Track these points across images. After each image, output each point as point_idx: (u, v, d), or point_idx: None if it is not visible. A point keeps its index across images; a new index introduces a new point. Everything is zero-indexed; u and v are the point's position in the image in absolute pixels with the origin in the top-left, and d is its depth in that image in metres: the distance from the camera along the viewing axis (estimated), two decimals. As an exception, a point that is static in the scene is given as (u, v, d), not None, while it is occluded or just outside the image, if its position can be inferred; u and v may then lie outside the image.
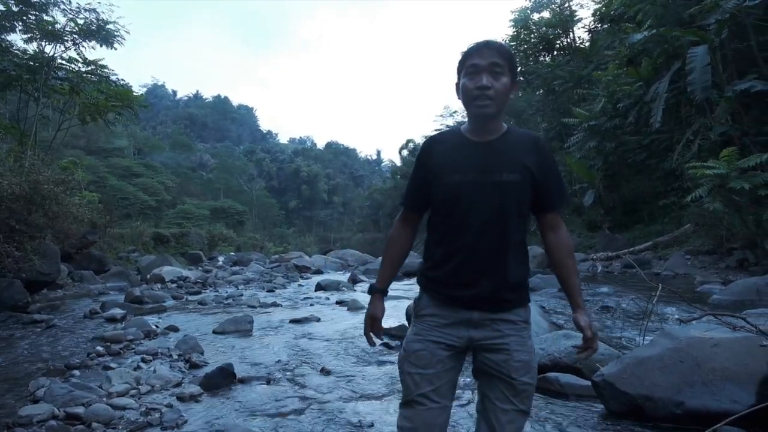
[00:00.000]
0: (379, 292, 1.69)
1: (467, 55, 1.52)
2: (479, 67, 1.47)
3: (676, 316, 5.16)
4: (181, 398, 3.29)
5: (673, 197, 13.76)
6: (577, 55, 24.34)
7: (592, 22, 24.05)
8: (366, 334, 1.69)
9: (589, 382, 3.01)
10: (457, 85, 1.57)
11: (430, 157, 1.59)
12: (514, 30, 27.63)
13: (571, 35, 26.59)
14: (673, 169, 13.82)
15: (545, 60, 26.68)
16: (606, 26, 21.45)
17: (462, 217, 1.50)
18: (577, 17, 25.37)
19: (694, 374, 2.65)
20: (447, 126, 58.95)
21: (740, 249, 10.37)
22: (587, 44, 24.79)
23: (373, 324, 1.68)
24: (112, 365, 4.13)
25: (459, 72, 1.56)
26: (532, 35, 27.28)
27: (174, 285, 10.91)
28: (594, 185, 18.60)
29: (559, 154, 21.46)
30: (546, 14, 26.57)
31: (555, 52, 26.95)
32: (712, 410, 2.50)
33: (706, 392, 2.57)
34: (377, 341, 1.72)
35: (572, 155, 19.02)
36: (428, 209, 1.63)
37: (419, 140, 48.71)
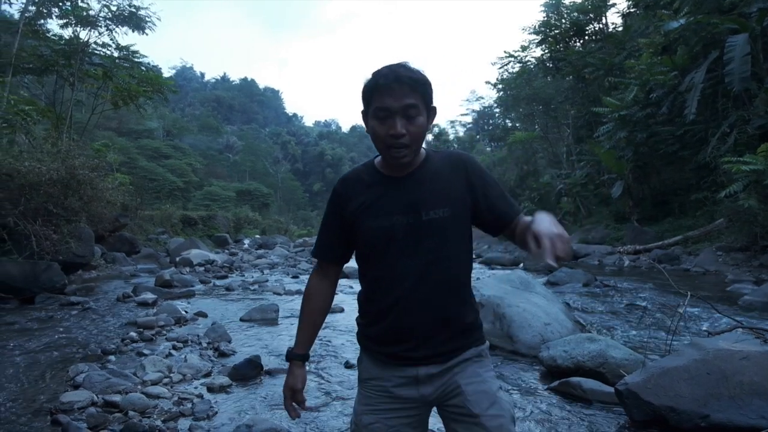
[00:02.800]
0: (298, 359, 1.44)
1: (374, 92, 1.25)
2: (391, 110, 1.23)
3: (705, 327, 5.06)
4: (211, 389, 3.42)
5: (706, 191, 13.38)
6: (609, 41, 23.62)
7: (626, 8, 23.26)
8: (287, 407, 1.44)
9: (612, 389, 3.00)
10: (365, 116, 1.31)
11: (345, 201, 1.37)
12: (544, 15, 26.97)
13: (604, 20, 25.78)
14: (707, 162, 13.39)
15: (576, 46, 25.98)
16: (640, 12, 20.71)
17: (392, 267, 1.30)
18: (610, 2, 24.56)
19: (720, 387, 2.62)
20: (473, 111, 58.11)
21: (775, 247, 10.08)
22: (620, 30, 24.02)
23: (293, 396, 1.43)
24: (145, 351, 4.31)
25: (365, 104, 1.30)
26: (563, 20, 26.56)
27: (201, 269, 11.21)
28: (623, 176, 18.18)
29: (588, 143, 21.02)
30: (578, -2, 25.79)
31: (586, 38, 26.21)
32: (738, 425, 2.47)
33: (733, 406, 2.55)
34: (301, 413, 1.47)
35: (602, 145, 18.61)
36: (348, 260, 1.44)
37: (444, 125, 48.23)
